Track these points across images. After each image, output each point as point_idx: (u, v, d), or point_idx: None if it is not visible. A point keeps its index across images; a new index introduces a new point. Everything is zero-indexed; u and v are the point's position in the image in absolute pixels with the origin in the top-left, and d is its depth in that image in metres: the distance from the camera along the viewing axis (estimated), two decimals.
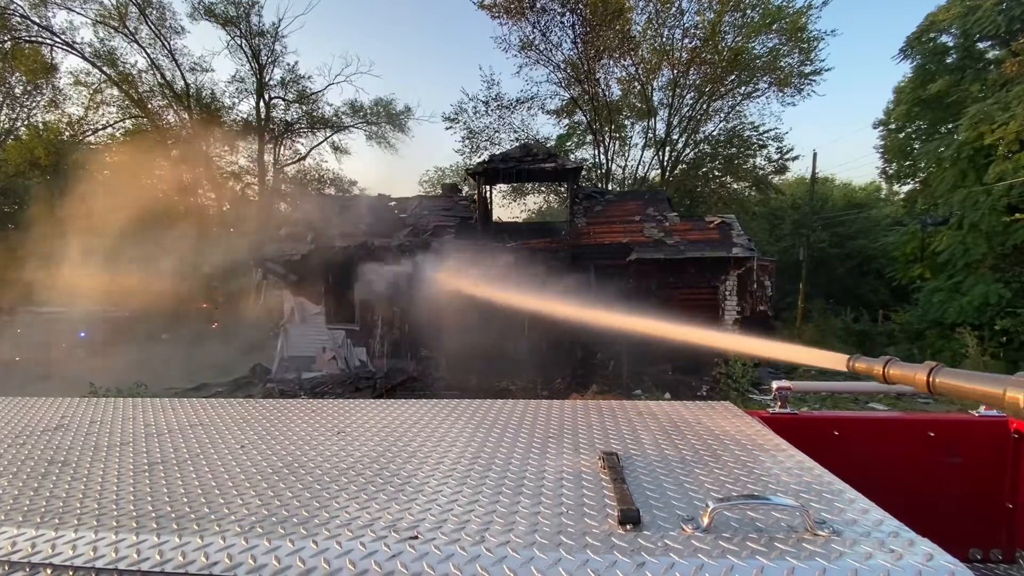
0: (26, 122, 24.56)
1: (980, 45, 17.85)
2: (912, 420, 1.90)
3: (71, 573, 0.90)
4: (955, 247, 15.40)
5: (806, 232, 25.12)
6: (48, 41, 21.49)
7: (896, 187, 28.03)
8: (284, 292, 14.52)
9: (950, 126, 18.65)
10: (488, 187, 15.46)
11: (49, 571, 0.90)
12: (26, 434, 1.68)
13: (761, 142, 25.28)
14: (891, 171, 24.79)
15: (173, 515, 1.06)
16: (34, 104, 24.42)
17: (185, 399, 2.11)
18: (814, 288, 24.96)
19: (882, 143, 23.96)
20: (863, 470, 1.46)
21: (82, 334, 19.84)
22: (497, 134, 26.13)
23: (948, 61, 18.89)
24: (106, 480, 1.28)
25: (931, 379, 1.16)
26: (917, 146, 21.43)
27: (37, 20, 20.83)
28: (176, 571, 0.87)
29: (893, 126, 22.81)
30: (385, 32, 70.46)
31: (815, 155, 28.78)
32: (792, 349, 1.74)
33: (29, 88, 23.49)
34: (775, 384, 1.93)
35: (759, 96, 24.10)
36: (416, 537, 0.94)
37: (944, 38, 18.91)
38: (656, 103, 25.02)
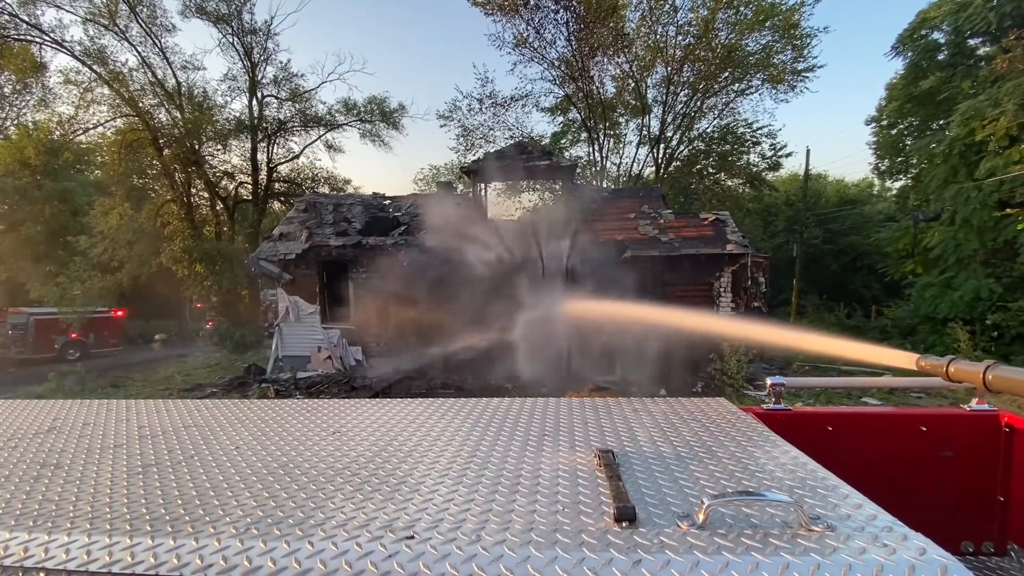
0: (16, 121, 24.32)
1: (971, 42, 17.99)
2: (905, 415, 1.91)
3: None
4: (947, 242, 15.53)
5: (799, 228, 25.26)
6: (37, 39, 21.20)
7: (888, 183, 28.28)
8: (279, 291, 14.46)
9: (941, 122, 18.79)
10: (483, 185, 15.44)
11: (43, 575, 0.90)
12: (18, 437, 1.66)
13: (755, 139, 25.41)
14: (883, 167, 24.96)
15: (167, 517, 1.06)
16: (24, 103, 24.19)
17: (179, 400, 2.10)
18: (808, 284, 25.13)
19: (874, 139, 24.13)
20: (857, 465, 1.47)
21: (74, 335, 19.68)
22: (492, 132, 26.10)
23: (939, 58, 19.03)
24: (99, 483, 1.27)
25: (986, 376, 1.23)
26: (909, 142, 21.58)
27: (26, 18, 20.56)
28: (170, 574, 0.87)
29: (885, 122, 22.96)
30: (379, 30, 70.23)
31: (808, 152, 28.99)
32: (860, 347, 1.69)
33: (18, 87, 23.23)
34: (769, 380, 1.94)
35: (752, 93, 24.23)
36: (412, 537, 0.94)
37: (936, 35, 19.05)
38: (650, 100, 25.06)
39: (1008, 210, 13.85)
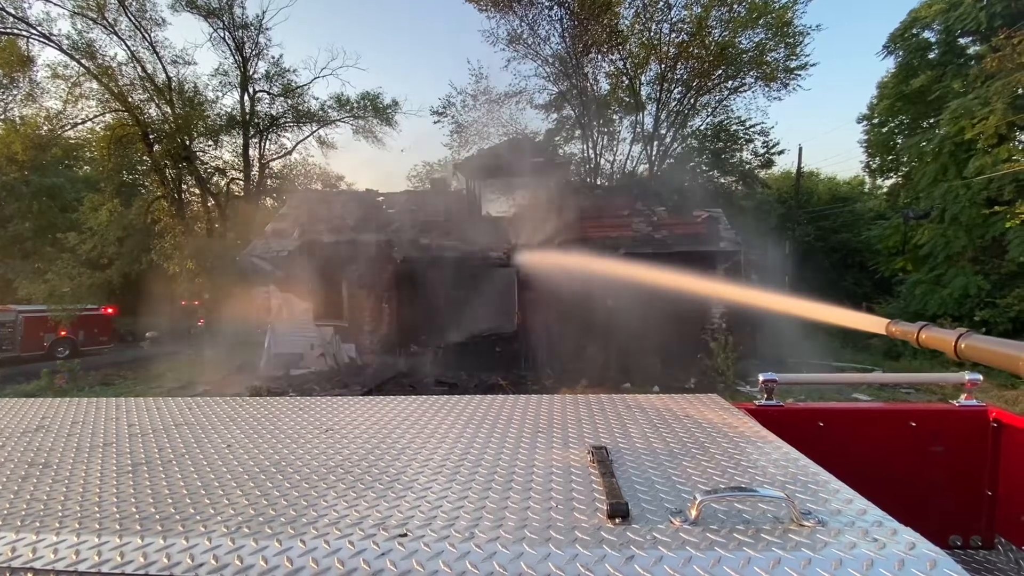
0: (2, 116, 23.95)
1: (961, 41, 18.12)
2: (895, 410, 1.93)
3: None
4: (936, 240, 15.69)
5: (791, 226, 25.39)
6: (24, 33, 20.90)
7: (879, 181, 28.47)
8: (271, 289, 14.37)
9: (932, 121, 18.94)
10: (477, 182, 15.41)
11: (30, 575, 0.89)
12: (5, 435, 1.64)
13: (748, 136, 25.49)
14: (874, 165, 25.16)
15: (158, 516, 1.05)
16: (11, 98, 23.82)
17: (170, 398, 2.08)
18: (800, 281, 25.28)
19: (866, 137, 24.30)
20: (847, 460, 1.49)
21: (63, 332, 19.45)
22: (486, 128, 26.01)
23: (930, 57, 19.17)
24: (88, 482, 1.25)
25: (958, 344, 1.23)
26: (900, 141, 21.75)
27: (12, 11, 20.26)
28: (161, 573, 0.86)
29: (876, 121, 23.13)
30: (372, 25, 69.74)
31: (800, 149, 29.01)
32: (833, 311, 1.78)
33: (5, 82, 22.87)
34: (761, 376, 1.95)
35: (746, 90, 24.26)
36: (405, 535, 0.94)
37: (927, 34, 19.19)
38: (644, 97, 25.06)
39: (996, 208, 13.99)
